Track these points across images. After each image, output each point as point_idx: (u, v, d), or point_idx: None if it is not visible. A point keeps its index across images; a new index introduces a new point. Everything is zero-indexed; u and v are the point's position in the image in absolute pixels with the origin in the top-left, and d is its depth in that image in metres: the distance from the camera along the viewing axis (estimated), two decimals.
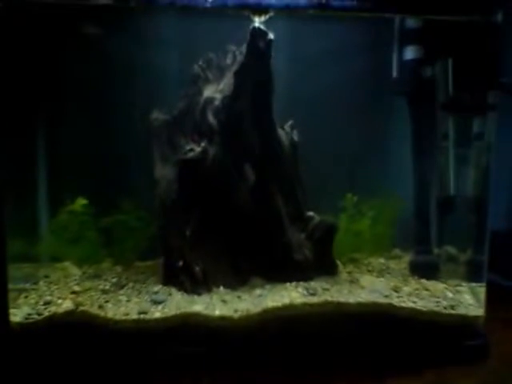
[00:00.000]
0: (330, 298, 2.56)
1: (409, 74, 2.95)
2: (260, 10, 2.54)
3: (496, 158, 3.48)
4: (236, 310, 2.48)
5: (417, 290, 2.76)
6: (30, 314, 2.45)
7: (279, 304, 2.50)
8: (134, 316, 2.44)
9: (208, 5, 2.38)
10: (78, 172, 3.08)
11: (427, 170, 3.01)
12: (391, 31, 2.99)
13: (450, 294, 2.73)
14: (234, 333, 2.43)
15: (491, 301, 2.90)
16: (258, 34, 2.64)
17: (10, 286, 2.51)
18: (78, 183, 3.06)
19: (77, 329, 2.41)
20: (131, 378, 2.37)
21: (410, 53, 2.91)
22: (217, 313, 2.46)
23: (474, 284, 2.82)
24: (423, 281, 2.90)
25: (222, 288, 2.71)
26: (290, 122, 2.99)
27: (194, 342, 2.43)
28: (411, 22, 2.91)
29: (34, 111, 3.00)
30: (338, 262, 3.04)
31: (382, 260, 3.25)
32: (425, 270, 2.96)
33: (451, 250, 3.07)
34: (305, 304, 2.51)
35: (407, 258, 3.18)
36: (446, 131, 2.95)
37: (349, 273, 3.00)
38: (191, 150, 2.76)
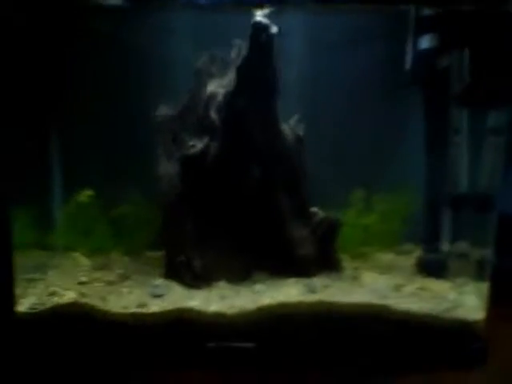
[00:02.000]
0: (325, 297, 2.55)
1: (422, 64, 2.89)
2: (256, 4, 2.52)
3: None
4: (231, 306, 2.49)
5: (420, 289, 2.71)
6: (35, 304, 2.53)
7: (273, 302, 2.50)
8: (132, 309, 2.49)
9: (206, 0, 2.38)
10: (88, 164, 3.13)
11: (439, 164, 2.94)
12: (403, 20, 2.90)
13: (453, 295, 2.67)
14: (227, 329, 2.45)
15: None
16: (259, 27, 2.61)
17: (20, 275, 2.63)
18: (87, 175, 3.11)
19: (77, 320, 2.47)
20: (127, 371, 2.42)
21: (423, 43, 2.84)
22: (211, 309, 2.48)
23: (479, 284, 2.75)
24: (429, 279, 2.85)
25: (223, 282, 2.73)
26: (295, 117, 2.96)
27: (187, 338, 2.47)
28: (424, 11, 2.83)
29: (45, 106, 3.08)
30: (345, 257, 3.04)
31: (390, 256, 3.21)
32: (432, 267, 2.92)
33: (461, 247, 3.00)
34: (299, 303, 2.50)
35: (417, 253, 3.13)
36: (460, 125, 2.88)
37: (355, 268, 2.99)
38: (193, 145, 2.78)
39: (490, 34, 2.64)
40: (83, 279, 2.80)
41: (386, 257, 3.20)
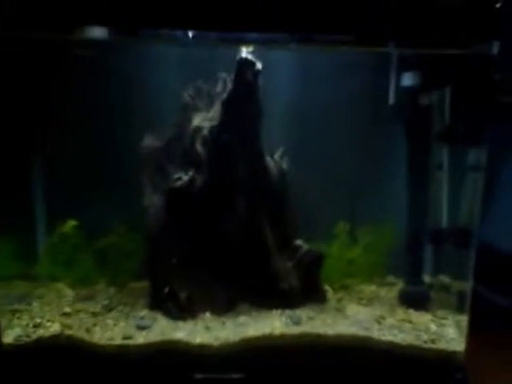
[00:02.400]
0: (309, 329, 2.58)
1: (405, 101, 2.95)
2: (241, 43, 2.58)
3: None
4: (217, 338, 2.52)
5: (401, 321, 2.75)
6: (20, 336, 2.53)
7: (258, 333, 2.53)
8: (118, 341, 2.50)
9: (189, 39, 2.42)
10: (72, 194, 3.13)
11: (421, 198, 3.00)
12: (387, 59, 2.98)
13: (434, 327, 2.71)
14: (213, 360, 2.47)
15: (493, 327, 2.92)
16: (245, 63, 2.68)
17: (6, 306, 2.67)
18: (71, 205, 3.12)
19: (62, 352, 2.48)
20: None
21: (405, 82, 2.91)
22: (197, 340, 2.50)
23: (459, 316, 2.80)
24: (411, 311, 2.88)
25: (208, 314, 2.74)
26: (279, 151, 3.02)
27: (174, 369, 2.48)
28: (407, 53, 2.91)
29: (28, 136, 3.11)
30: (329, 289, 3.08)
31: (373, 287, 3.25)
32: (414, 300, 2.94)
33: (444, 279, 3.05)
34: (284, 335, 2.54)
35: (400, 285, 3.17)
36: (441, 161, 2.95)
37: (339, 300, 3.01)
38: (179, 178, 2.81)
39: (471, 75, 2.72)
40: (67, 310, 2.79)
41: (369, 288, 3.23)
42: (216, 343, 2.49)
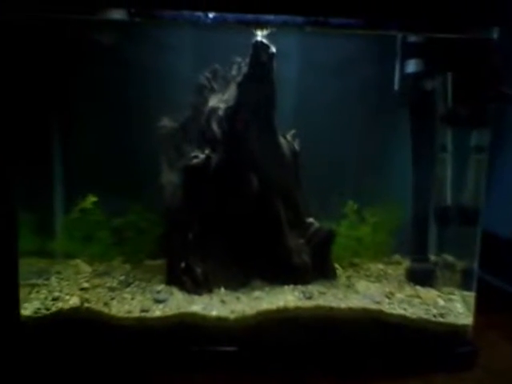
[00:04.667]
0: (322, 303, 2.66)
1: (409, 87, 3.03)
2: (257, 25, 2.64)
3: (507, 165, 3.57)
4: (233, 311, 2.59)
5: (410, 296, 2.84)
6: (39, 309, 2.60)
7: (274, 306, 2.61)
8: (136, 314, 2.57)
9: (209, 20, 2.48)
10: (91, 173, 3.22)
11: (426, 179, 3.07)
12: (392, 46, 3.06)
13: (442, 302, 2.80)
14: (230, 333, 2.55)
15: (494, 309, 3.00)
16: (260, 47, 2.73)
17: (25, 281, 2.68)
18: (90, 184, 3.18)
19: (82, 325, 2.54)
20: (130, 375, 2.50)
21: (410, 67, 2.99)
22: (214, 313, 2.57)
23: (465, 293, 2.88)
24: (418, 288, 2.97)
25: (222, 289, 2.82)
26: (291, 132, 3.08)
27: (191, 341, 2.55)
28: (412, 37, 2.98)
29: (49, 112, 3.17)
30: (338, 267, 3.16)
31: (380, 266, 3.33)
32: (421, 277, 3.03)
33: (448, 257, 3.13)
34: (298, 308, 2.61)
35: (406, 264, 3.25)
36: (445, 143, 3.02)
37: (348, 277, 3.09)
38: (196, 156, 2.88)
39: (473, 59, 2.80)
40: (85, 285, 2.86)
41: (376, 267, 3.31)
42: (232, 316, 2.57)
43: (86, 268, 3.12)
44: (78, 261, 3.18)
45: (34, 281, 2.89)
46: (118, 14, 2.48)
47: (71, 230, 3.16)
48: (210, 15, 2.48)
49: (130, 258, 3.21)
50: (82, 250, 3.19)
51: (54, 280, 2.94)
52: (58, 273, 3.04)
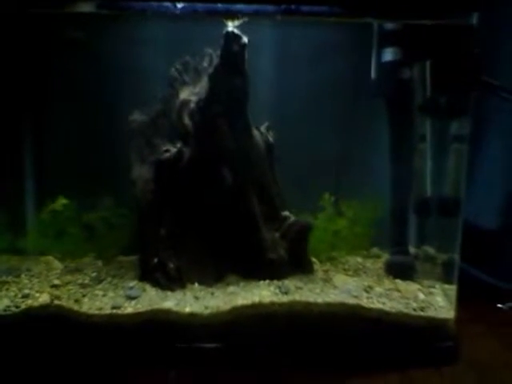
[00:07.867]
0: (299, 298, 2.60)
1: (386, 76, 2.98)
2: (228, 15, 2.58)
3: (489, 156, 3.52)
4: (207, 307, 2.54)
5: (389, 290, 2.79)
6: (8, 306, 2.54)
7: (249, 302, 2.55)
8: (108, 311, 2.51)
9: (178, 11, 2.42)
10: (61, 169, 3.17)
11: (405, 170, 3.03)
12: (368, 33, 3.01)
13: (422, 296, 2.74)
14: (204, 330, 2.49)
15: (477, 302, 2.96)
16: (231, 37, 2.67)
17: None
18: (60, 180, 3.14)
19: (52, 322, 2.48)
20: (102, 372, 2.44)
21: (387, 55, 2.94)
22: (187, 309, 2.52)
23: (446, 285, 2.84)
24: (397, 281, 2.92)
25: (196, 284, 2.77)
26: (265, 124, 3.03)
27: (164, 338, 2.50)
28: (388, 25, 2.93)
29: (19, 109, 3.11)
30: (315, 261, 3.11)
31: (359, 259, 3.28)
32: (400, 270, 2.98)
33: (428, 250, 3.09)
34: (273, 303, 2.56)
35: (384, 257, 3.22)
36: (424, 133, 2.98)
37: (325, 271, 3.03)
38: (167, 150, 2.82)
39: (452, 47, 2.75)
40: (56, 282, 2.80)
41: (354, 260, 3.26)
42: (206, 312, 2.51)
43: (58, 265, 3.07)
44: (49, 257, 3.13)
45: (3, 278, 2.84)
46: (85, 7, 2.44)
47: (42, 226, 3.10)
48: (179, 5, 2.43)
49: (102, 254, 3.17)
50: (53, 247, 3.14)
51: (24, 277, 2.89)
52: (29, 270, 2.98)
